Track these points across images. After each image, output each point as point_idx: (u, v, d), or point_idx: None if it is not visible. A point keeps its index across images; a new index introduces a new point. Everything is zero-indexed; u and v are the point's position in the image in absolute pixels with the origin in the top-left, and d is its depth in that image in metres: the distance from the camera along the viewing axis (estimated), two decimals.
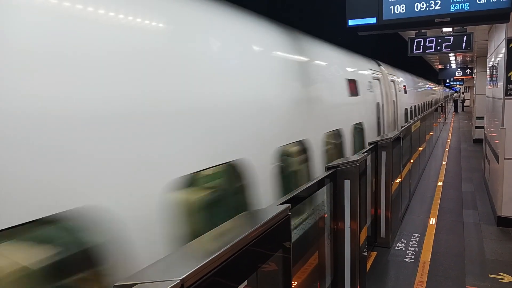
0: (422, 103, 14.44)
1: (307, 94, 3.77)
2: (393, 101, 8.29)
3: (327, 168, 3.43)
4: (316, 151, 3.70)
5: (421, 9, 3.81)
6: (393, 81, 8.65)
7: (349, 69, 5.46)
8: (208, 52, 2.42)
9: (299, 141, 3.44)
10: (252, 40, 3.06)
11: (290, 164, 3.40)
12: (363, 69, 6.33)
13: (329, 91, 4.50)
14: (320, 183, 3.13)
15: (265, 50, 3.22)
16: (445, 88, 34.11)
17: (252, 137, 2.72)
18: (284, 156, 3.17)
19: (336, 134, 4.43)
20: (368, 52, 8.33)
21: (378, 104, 6.85)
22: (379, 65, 7.88)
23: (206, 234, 1.70)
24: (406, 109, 10.13)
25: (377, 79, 7.09)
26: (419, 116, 11.06)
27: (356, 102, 5.46)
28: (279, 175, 2.95)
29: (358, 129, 5.42)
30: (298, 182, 3.43)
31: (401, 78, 10.24)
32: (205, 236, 1.68)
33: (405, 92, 10.52)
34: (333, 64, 4.97)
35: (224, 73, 2.54)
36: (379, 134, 6.85)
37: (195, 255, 1.49)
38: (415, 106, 12.07)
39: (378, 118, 6.88)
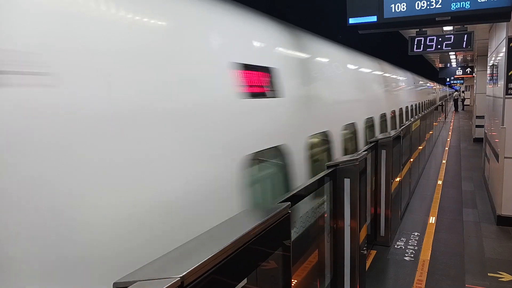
0: (442, 96, 31.05)
1: (435, 94, 24.43)
2: (438, 95, 26.93)
3: (327, 167, 3.43)
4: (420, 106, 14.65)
5: (422, 8, 3.81)
6: (436, 87, 27.00)
7: (435, 87, 26.26)
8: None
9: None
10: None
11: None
12: (435, 85, 26.05)
13: (437, 94, 26.97)
14: (320, 182, 3.14)
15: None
16: (448, 88, 49.58)
17: None
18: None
19: (431, 103, 20.12)
20: (369, 50, 9.50)
21: (435, 96, 24.47)
22: (434, 82, 26.09)
23: (206, 231, 1.70)
24: (439, 98, 27.17)
25: (436, 88, 26.56)
26: (442, 101, 26.05)
27: (436, 94, 25.42)
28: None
29: (432, 102, 20.76)
30: None
31: (437, 86, 27.17)
32: (205, 234, 1.67)
33: (438, 93, 27.48)
34: (436, 87, 26.56)
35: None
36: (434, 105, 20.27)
37: (195, 253, 1.49)
38: (440, 97, 28.29)
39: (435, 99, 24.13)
